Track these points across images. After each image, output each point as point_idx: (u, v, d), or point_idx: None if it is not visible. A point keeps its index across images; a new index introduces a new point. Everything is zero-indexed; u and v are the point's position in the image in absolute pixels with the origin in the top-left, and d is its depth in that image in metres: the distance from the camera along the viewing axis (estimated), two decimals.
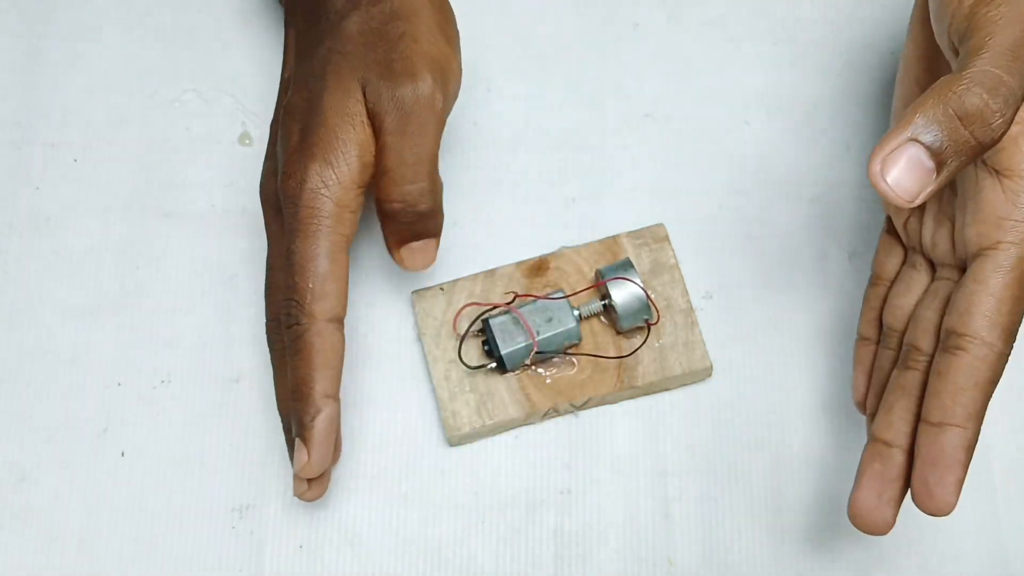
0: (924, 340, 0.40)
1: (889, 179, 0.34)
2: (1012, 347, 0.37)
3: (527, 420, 0.47)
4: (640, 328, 0.47)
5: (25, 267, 0.49)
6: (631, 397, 0.47)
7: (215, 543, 0.45)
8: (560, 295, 0.46)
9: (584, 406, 0.47)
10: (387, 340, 0.48)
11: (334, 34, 0.42)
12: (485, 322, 0.46)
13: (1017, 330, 0.37)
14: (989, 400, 0.37)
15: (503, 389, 0.46)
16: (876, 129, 0.52)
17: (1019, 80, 0.34)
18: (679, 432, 0.47)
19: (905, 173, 0.34)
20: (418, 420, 0.47)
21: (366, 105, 0.41)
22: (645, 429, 0.47)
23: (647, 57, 0.53)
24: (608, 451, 0.47)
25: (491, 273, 0.48)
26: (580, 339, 0.46)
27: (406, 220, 0.42)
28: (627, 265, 0.46)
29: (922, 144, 0.34)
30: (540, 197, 0.50)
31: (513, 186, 0.50)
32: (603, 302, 0.46)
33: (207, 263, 0.49)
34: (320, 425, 0.40)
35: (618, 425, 0.47)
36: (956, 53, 0.37)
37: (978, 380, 0.37)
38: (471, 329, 0.46)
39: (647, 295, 0.45)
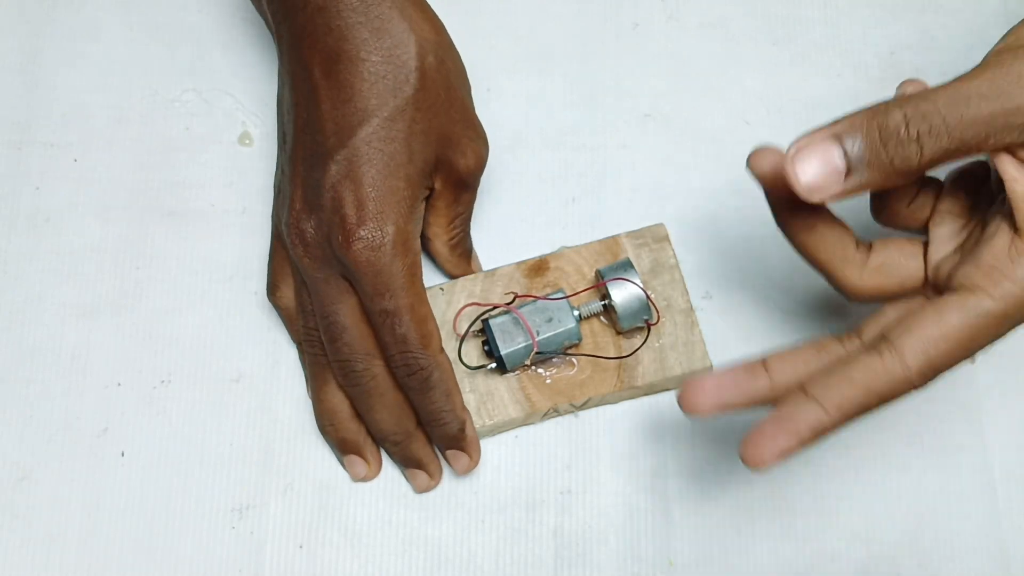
0: (868, 329, 0.39)
1: (797, 163, 0.35)
2: (923, 386, 0.36)
3: (527, 420, 0.47)
4: (640, 328, 0.47)
5: (25, 267, 0.49)
6: (631, 397, 0.47)
7: (215, 543, 0.45)
8: (560, 295, 0.46)
9: (584, 406, 0.47)
10: None
11: (382, 105, 0.43)
12: (485, 322, 0.46)
13: (937, 375, 0.36)
14: (867, 411, 0.36)
15: (503, 389, 0.46)
16: None
17: (959, 125, 0.34)
18: (679, 432, 0.47)
19: (814, 165, 0.35)
20: None
21: (431, 171, 0.45)
22: (645, 429, 0.47)
23: (647, 57, 0.53)
24: (608, 451, 0.47)
25: (491, 273, 0.48)
26: (580, 339, 0.46)
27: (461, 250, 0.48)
28: (627, 265, 0.46)
29: (840, 145, 0.35)
30: (540, 197, 0.50)
31: (513, 186, 0.50)
32: (603, 302, 0.46)
33: (207, 263, 0.49)
34: (470, 431, 0.45)
35: (618, 425, 0.47)
36: None
37: (872, 387, 0.36)
38: (471, 329, 0.46)
39: (647, 295, 0.45)
